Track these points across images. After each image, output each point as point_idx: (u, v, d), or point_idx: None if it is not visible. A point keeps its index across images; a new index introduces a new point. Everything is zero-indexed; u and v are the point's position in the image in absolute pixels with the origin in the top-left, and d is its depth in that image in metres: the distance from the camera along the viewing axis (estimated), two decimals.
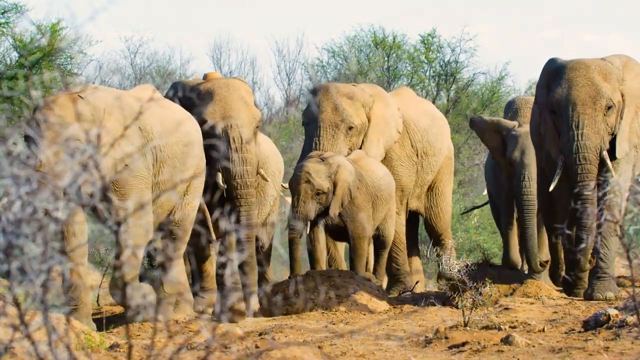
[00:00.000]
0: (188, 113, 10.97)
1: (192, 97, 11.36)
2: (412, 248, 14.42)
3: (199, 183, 10.92)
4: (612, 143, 11.79)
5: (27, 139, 9.28)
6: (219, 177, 11.22)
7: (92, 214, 9.67)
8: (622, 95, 11.83)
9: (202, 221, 11.42)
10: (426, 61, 25.52)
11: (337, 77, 25.52)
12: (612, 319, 8.79)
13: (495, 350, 8.12)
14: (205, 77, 11.78)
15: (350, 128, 12.96)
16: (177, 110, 10.85)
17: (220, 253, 11.55)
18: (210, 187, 11.21)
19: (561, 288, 12.52)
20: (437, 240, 14.27)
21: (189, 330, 9.15)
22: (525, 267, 14.25)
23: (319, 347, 7.96)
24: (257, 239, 12.11)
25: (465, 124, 24.03)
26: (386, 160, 13.41)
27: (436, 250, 13.78)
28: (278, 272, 12.66)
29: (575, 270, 11.85)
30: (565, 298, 12.00)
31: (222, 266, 11.33)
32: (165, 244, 10.49)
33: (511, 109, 14.90)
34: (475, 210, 19.90)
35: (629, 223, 6.59)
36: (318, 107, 12.87)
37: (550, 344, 8.35)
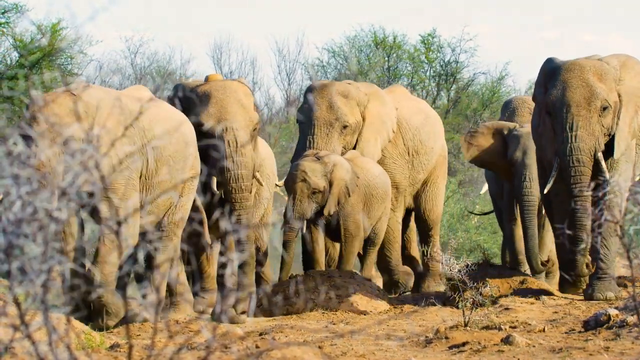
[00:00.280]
0: (182, 113, 10.86)
1: (191, 98, 11.28)
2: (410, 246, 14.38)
3: (193, 184, 10.82)
4: (612, 143, 11.79)
5: (24, 137, 9.27)
6: (214, 182, 11.05)
7: (87, 214, 9.65)
8: (620, 95, 11.81)
9: (201, 221, 11.39)
10: (426, 61, 25.54)
11: (337, 77, 25.51)
12: (612, 319, 8.79)
13: (496, 350, 8.12)
14: (206, 78, 11.74)
15: (345, 127, 12.93)
16: (170, 110, 10.75)
17: (221, 253, 11.54)
18: (208, 188, 11.13)
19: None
20: (425, 238, 14.17)
21: (189, 330, 9.15)
22: (526, 267, 14.25)
23: (320, 347, 7.96)
24: (256, 239, 12.10)
25: (465, 124, 24.04)
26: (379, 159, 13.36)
27: (423, 247, 13.79)
28: (278, 272, 12.65)
29: (575, 270, 11.84)
30: (565, 298, 12.00)
31: (222, 266, 11.31)
32: (158, 244, 10.46)
33: (508, 109, 14.89)
34: (476, 210, 19.89)
35: (629, 223, 6.60)
36: (313, 105, 12.84)
37: (550, 344, 8.35)
